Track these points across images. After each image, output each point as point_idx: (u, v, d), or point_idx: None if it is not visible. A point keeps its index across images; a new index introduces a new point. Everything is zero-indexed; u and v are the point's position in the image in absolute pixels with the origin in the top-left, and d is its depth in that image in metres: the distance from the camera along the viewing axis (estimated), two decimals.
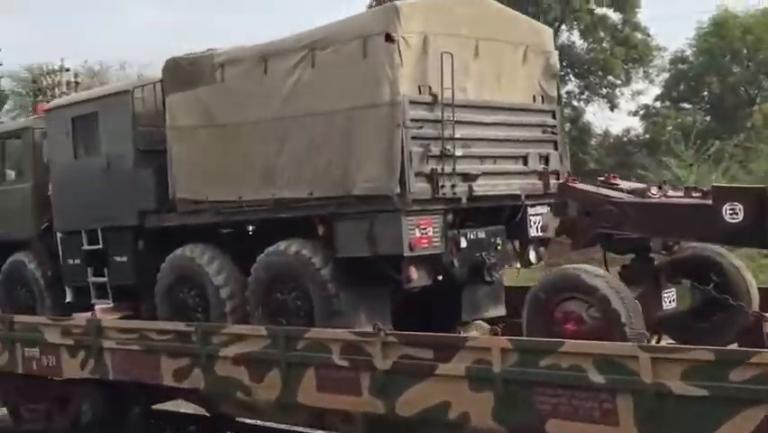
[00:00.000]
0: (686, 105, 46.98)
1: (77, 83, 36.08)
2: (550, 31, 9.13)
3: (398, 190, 7.56)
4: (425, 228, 7.79)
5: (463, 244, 8.15)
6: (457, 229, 8.15)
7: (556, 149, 8.93)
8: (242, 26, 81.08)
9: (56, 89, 35.47)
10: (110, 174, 10.14)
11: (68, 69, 36.11)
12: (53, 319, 10.58)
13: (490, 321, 9.13)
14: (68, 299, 11.03)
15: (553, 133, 8.92)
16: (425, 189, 7.72)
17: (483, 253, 8.29)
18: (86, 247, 10.55)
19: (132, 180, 9.90)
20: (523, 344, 6.63)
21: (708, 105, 46.72)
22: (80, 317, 10.36)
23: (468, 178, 8.02)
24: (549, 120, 8.95)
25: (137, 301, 10.25)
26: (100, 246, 10.37)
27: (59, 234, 11.03)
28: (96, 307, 10.48)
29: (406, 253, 7.69)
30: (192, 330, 8.87)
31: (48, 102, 33.38)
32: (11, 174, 12.04)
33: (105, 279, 10.41)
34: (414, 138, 7.66)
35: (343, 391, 7.64)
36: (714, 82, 44.51)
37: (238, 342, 8.48)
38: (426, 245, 7.81)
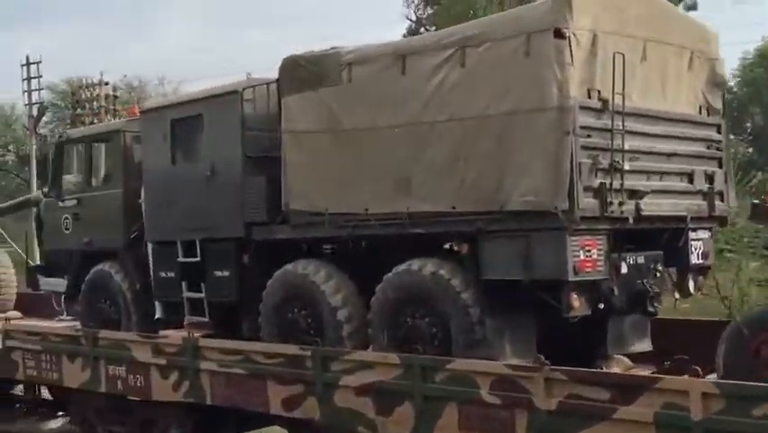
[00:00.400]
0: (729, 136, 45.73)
1: (115, 97, 36.03)
2: (716, 35, 8.10)
3: (565, 206, 6.54)
4: (589, 250, 6.78)
5: (624, 269, 7.14)
6: (618, 253, 7.13)
7: (721, 167, 7.90)
8: (272, 41, 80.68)
9: (94, 103, 35.20)
10: (213, 181, 9.22)
11: (107, 83, 35.72)
12: (144, 336, 9.67)
13: (632, 357, 8.12)
14: (157, 315, 10.10)
15: (717, 149, 7.90)
16: (593, 206, 6.71)
17: (645, 281, 7.27)
18: (181, 259, 9.62)
19: (238, 189, 8.96)
20: (731, 388, 5.59)
21: (750, 137, 45.57)
22: (175, 336, 9.44)
23: (635, 195, 6.99)
24: (714, 135, 7.93)
25: (237, 320, 9.31)
26: (198, 259, 9.43)
27: (150, 245, 10.13)
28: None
29: (570, 278, 6.68)
30: (308, 355, 7.92)
31: (86, 114, 33.21)
32: (97, 179, 11.18)
33: (201, 294, 9.45)
34: (583, 148, 6.66)
35: (493, 430, 6.66)
36: (758, 113, 43.39)
37: (363, 370, 7.52)
38: (591, 270, 6.80)
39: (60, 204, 11.25)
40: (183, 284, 9.64)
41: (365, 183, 7.88)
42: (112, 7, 75.70)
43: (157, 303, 10.09)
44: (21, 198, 16.23)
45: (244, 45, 76.01)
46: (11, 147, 45.44)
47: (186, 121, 9.61)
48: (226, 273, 9.19)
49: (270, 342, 8.63)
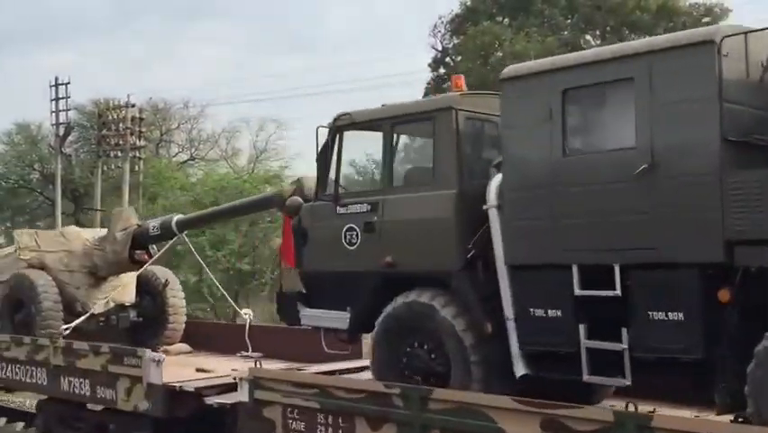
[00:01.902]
0: None
1: (141, 119, 35.23)
2: None
3: None
4: None
5: None
6: None
7: None
8: (298, 68, 78.09)
9: (120, 124, 34.40)
10: (655, 178, 5.95)
11: (133, 105, 34.88)
12: (525, 402, 6.28)
13: None
14: (521, 371, 6.79)
15: None
16: None
17: None
18: (579, 292, 6.34)
19: (712, 190, 5.70)
20: None
21: None
22: (585, 407, 6.09)
23: None
24: None
25: (701, 388, 6.00)
26: (616, 292, 6.13)
27: (506, 269, 6.85)
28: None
29: None
30: None
31: (111, 135, 31.21)
32: (406, 177, 7.91)
33: (621, 345, 6.14)
34: None
35: None
36: None
37: None
38: None
39: (340, 209, 7.97)
40: (580, 328, 6.35)
41: None
42: (138, 29, 74.14)
43: (517, 353, 6.80)
44: (259, 196, 12.89)
45: (270, 72, 73.70)
46: (36, 165, 44.01)
47: (595, 90, 6.40)
48: (679, 316, 5.88)
49: None
